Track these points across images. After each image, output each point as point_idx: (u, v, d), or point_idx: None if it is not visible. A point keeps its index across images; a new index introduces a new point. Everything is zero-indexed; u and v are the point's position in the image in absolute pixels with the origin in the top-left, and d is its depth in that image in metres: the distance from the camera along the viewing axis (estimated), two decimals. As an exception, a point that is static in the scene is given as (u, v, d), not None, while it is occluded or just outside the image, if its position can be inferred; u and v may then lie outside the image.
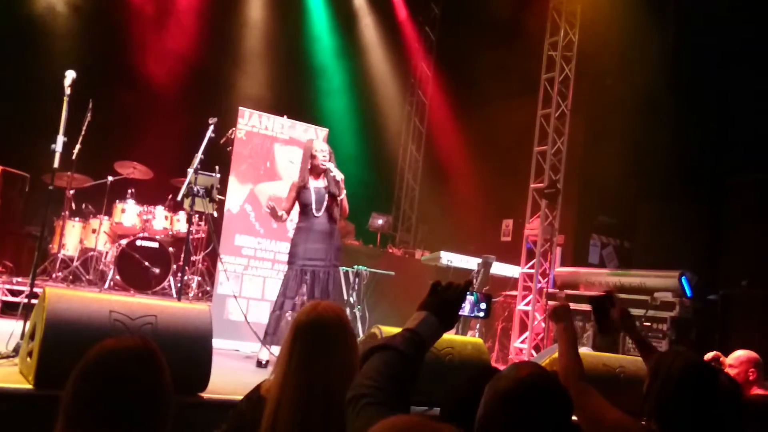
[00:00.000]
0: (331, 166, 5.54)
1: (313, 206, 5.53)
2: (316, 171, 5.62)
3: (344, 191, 5.56)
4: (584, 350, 5.78)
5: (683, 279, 6.73)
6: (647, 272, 7.18)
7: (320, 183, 5.62)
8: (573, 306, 7.79)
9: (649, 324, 6.65)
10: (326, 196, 5.55)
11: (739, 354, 3.87)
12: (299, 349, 2.14)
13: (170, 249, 7.71)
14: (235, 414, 2.33)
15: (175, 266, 7.69)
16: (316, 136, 6.98)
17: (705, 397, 2.03)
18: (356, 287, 7.24)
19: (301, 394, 2.08)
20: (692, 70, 8.11)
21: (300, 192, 5.59)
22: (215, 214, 6.63)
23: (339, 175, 5.50)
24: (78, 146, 6.88)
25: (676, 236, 8.38)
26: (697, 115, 7.98)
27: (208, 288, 7.92)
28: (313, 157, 5.60)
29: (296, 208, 5.70)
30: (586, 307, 7.16)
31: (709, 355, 3.87)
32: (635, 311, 6.79)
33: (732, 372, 3.71)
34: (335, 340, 2.14)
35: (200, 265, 8.16)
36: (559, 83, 8.61)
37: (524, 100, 9.22)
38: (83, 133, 7.01)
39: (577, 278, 7.94)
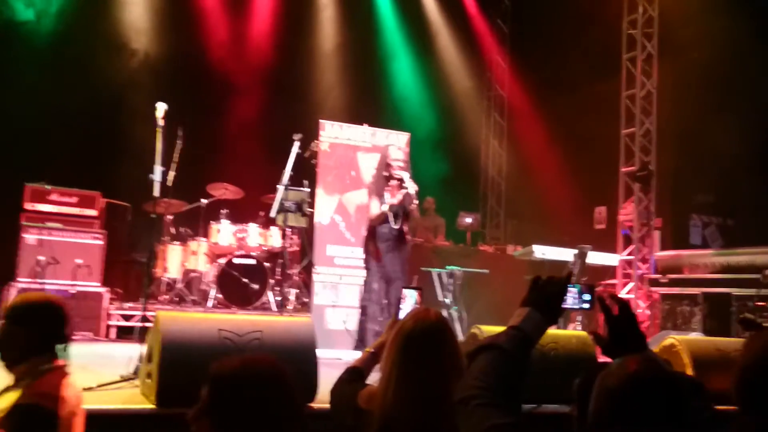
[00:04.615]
0: (406, 176, 5.56)
1: (392, 217, 5.56)
2: (391, 180, 5.65)
3: (416, 202, 5.61)
4: (695, 335, 5.57)
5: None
6: (756, 249, 6.81)
7: (394, 200, 5.62)
8: (678, 290, 7.47)
9: (762, 303, 6.31)
10: (401, 210, 5.59)
11: None
12: (405, 359, 2.08)
13: (266, 264, 7.92)
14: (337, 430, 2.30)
15: (272, 281, 7.90)
16: (397, 141, 7.02)
17: None
18: (451, 288, 7.22)
19: (412, 405, 2.02)
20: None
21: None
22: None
23: (412, 188, 5.51)
24: (173, 173, 7.16)
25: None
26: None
27: (306, 299, 8.09)
28: (388, 166, 5.65)
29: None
30: (694, 290, 6.90)
31: None
32: (746, 291, 6.47)
33: None
34: (441, 344, 2.09)
35: (296, 277, 8.34)
36: (642, 61, 8.32)
37: (605, 82, 8.96)
38: (176, 160, 7.31)
39: (679, 261, 7.63)
